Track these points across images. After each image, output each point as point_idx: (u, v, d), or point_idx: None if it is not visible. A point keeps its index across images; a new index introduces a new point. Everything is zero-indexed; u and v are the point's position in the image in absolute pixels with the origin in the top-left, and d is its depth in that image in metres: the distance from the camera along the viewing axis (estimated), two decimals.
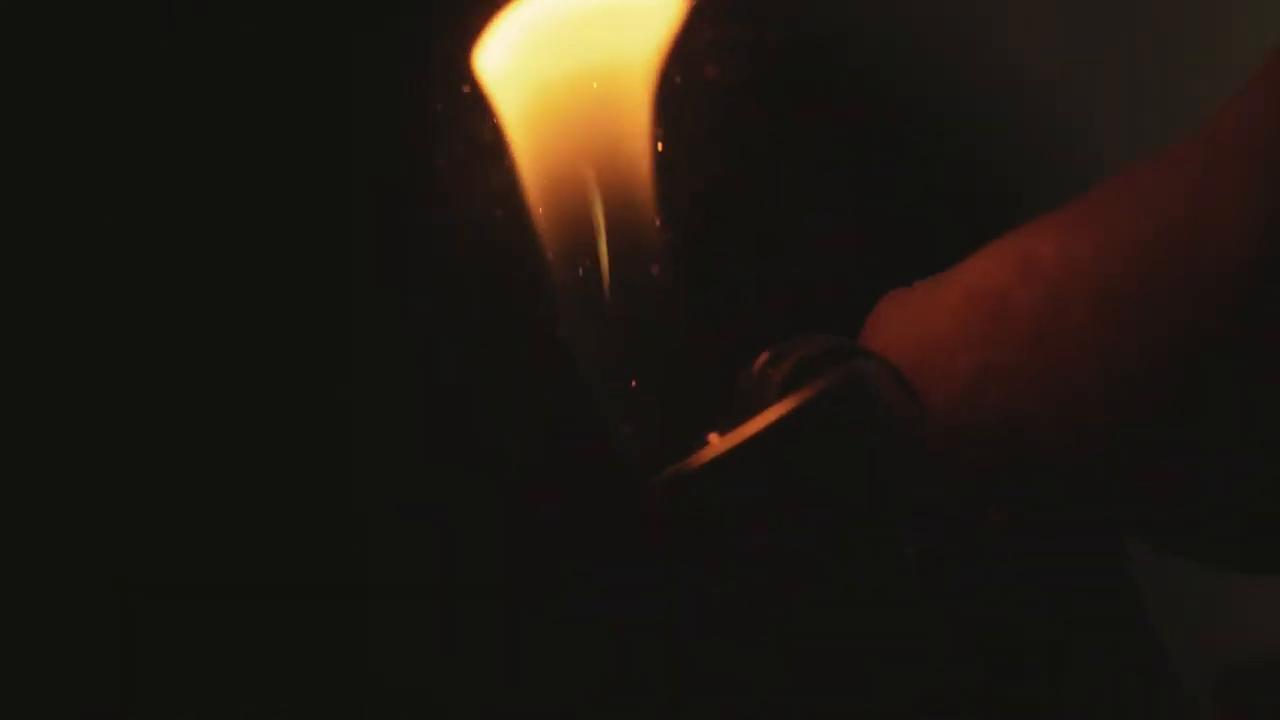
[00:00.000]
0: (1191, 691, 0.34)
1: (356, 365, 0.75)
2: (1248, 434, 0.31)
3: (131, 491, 0.72)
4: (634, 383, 0.35)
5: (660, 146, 0.35)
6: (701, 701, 0.34)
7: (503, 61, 0.36)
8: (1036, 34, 0.84)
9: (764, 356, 0.35)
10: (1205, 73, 0.80)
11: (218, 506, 0.72)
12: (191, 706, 0.70)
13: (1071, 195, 0.34)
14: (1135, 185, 0.32)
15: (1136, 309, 0.32)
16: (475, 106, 0.36)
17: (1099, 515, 0.33)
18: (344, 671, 0.72)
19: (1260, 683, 0.35)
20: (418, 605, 0.72)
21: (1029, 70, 0.83)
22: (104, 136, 0.74)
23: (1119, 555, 0.34)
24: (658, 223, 0.35)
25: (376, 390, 0.75)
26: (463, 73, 0.36)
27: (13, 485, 0.71)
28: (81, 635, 0.70)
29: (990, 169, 0.80)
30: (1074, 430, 0.32)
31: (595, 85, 0.36)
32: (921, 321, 0.34)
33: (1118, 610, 0.34)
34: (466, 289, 0.69)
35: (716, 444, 0.33)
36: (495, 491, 0.71)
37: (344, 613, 0.72)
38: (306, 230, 0.75)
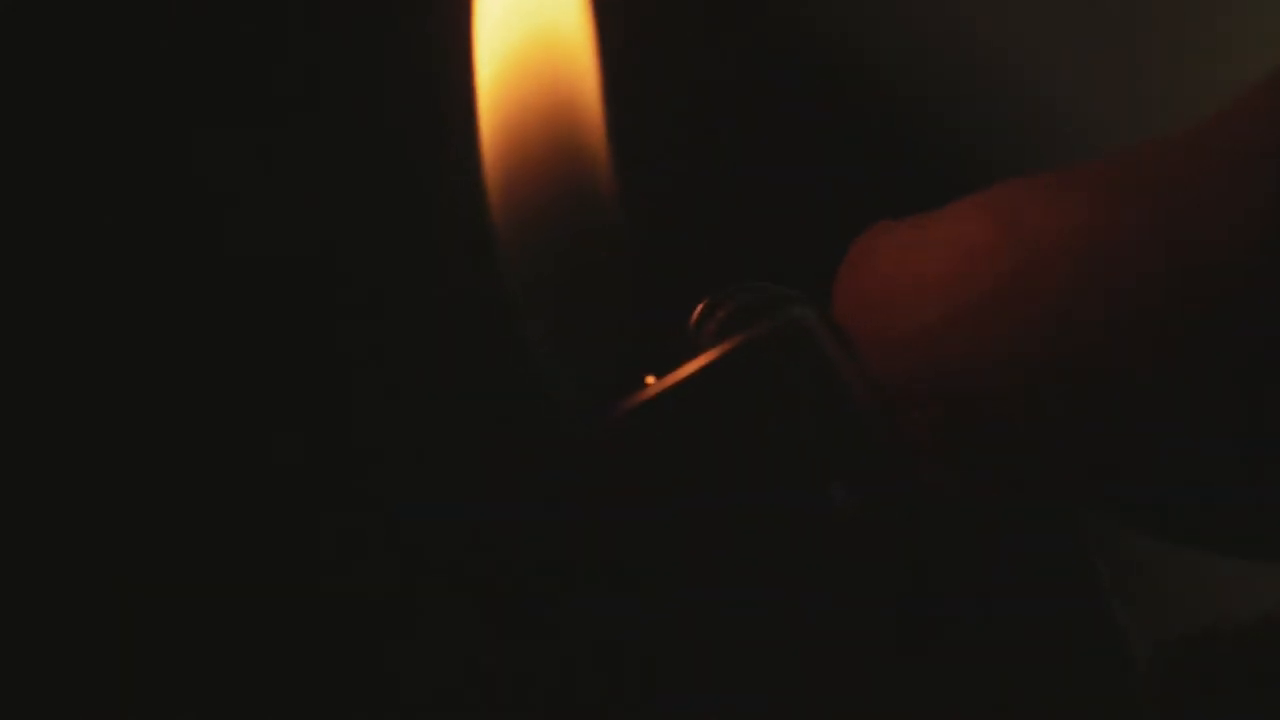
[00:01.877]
0: (1136, 663, 0.33)
1: (355, 366, 0.75)
2: (1222, 417, 0.31)
3: (131, 491, 0.72)
4: (584, 330, 0.35)
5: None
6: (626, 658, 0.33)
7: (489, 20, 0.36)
8: (1037, 33, 0.84)
9: (702, 305, 0.34)
10: (1206, 73, 0.80)
11: (218, 506, 0.72)
12: (191, 706, 0.70)
13: None
14: (1138, 162, 0.32)
15: (1117, 285, 0.31)
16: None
17: (1051, 484, 0.33)
18: (344, 672, 0.72)
19: (1198, 655, 0.35)
20: (418, 605, 0.72)
21: (1029, 70, 0.83)
22: (104, 136, 0.74)
23: (1071, 522, 0.34)
24: (613, 179, 0.35)
25: (375, 390, 0.75)
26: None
27: (13, 485, 0.71)
28: (81, 635, 0.70)
29: (990, 169, 0.80)
30: (1029, 397, 0.32)
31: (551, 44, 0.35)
32: (901, 258, 0.34)
33: (1067, 578, 0.33)
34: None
35: (645, 391, 0.33)
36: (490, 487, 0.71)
37: (344, 613, 0.72)
38: (305, 229, 0.75)
